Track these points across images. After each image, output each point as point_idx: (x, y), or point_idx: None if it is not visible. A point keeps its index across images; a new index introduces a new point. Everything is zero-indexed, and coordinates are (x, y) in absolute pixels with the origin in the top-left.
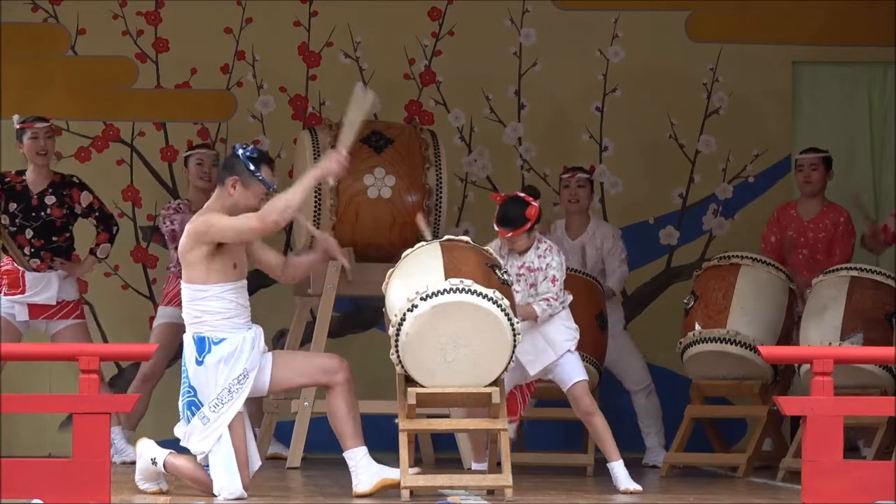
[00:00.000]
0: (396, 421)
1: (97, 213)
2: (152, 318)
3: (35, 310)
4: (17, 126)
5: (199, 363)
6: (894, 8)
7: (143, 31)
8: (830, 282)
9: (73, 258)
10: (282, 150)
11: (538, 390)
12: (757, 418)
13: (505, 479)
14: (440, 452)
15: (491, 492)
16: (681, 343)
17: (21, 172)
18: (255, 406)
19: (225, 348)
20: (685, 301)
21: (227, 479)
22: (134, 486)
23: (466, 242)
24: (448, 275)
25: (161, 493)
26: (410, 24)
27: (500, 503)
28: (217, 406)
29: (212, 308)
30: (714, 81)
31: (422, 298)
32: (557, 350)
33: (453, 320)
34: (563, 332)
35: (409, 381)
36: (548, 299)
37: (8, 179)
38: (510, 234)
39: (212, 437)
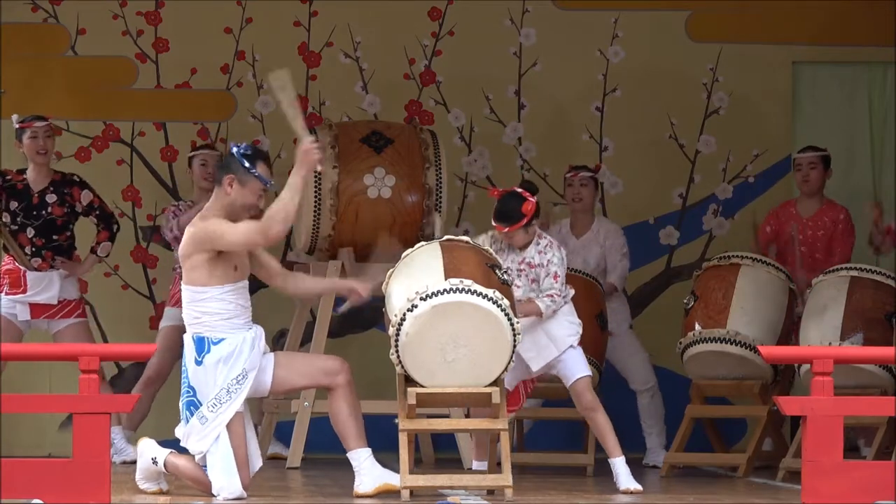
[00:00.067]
0: (396, 421)
1: (98, 212)
2: (153, 318)
3: (36, 309)
4: (17, 126)
5: (199, 363)
6: (894, 8)
7: (143, 31)
8: (830, 282)
9: (73, 257)
10: (282, 150)
11: (540, 390)
12: (757, 418)
13: (505, 479)
14: (440, 452)
15: (491, 492)
16: (681, 343)
17: (22, 171)
18: (253, 406)
19: (224, 348)
20: (685, 301)
21: (225, 479)
22: (134, 485)
23: (466, 242)
24: (448, 275)
25: (161, 492)
26: (410, 24)
27: (500, 503)
28: (215, 406)
29: (212, 309)
30: (714, 81)
31: (422, 298)
32: (560, 346)
33: (453, 320)
34: (565, 328)
35: (409, 381)
36: (551, 295)
37: (9, 178)
38: (507, 230)
39: (210, 437)
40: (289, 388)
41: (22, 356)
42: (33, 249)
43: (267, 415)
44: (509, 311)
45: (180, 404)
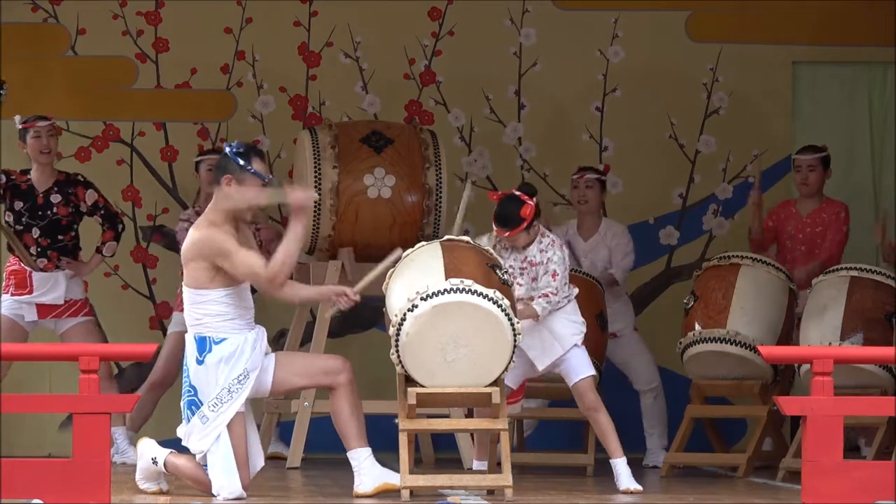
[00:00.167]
0: (396, 421)
1: (102, 212)
2: (153, 318)
3: (43, 310)
4: (20, 126)
5: (200, 362)
6: (894, 8)
7: (143, 31)
8: (830, 282)
9: (78, 257)
10: (282, 150)
11: (542, 390)
12: (757, 418)
13: (505, 479)
14: (440, 452)
15: (491, 492)
16: (681, 343)
17: (26, 172)
18: (255, 405)
19: (226, 348)
20: (685, 301)
21: (225, 479)
22: (134, 486)
23: (467, 242)
24: (448, 275)
25: (161, 492)
26: (410, 24)
27: (500, 503)
28: (216, 405)
29: (213, 311)
30: (714, 81)
31: (422, 298)
32: (565, 344)
33: (453, 320)
34: (569, 327)
35: (410, 381)
36: (546, 295)
37: (13, 178)
38: (508, 234)
39: (210, 437)
40: (290, 387)
41: (22, 356)
42: (38, 250)
43: (267, 415)
44: (509, 311)
45: (181, 403)
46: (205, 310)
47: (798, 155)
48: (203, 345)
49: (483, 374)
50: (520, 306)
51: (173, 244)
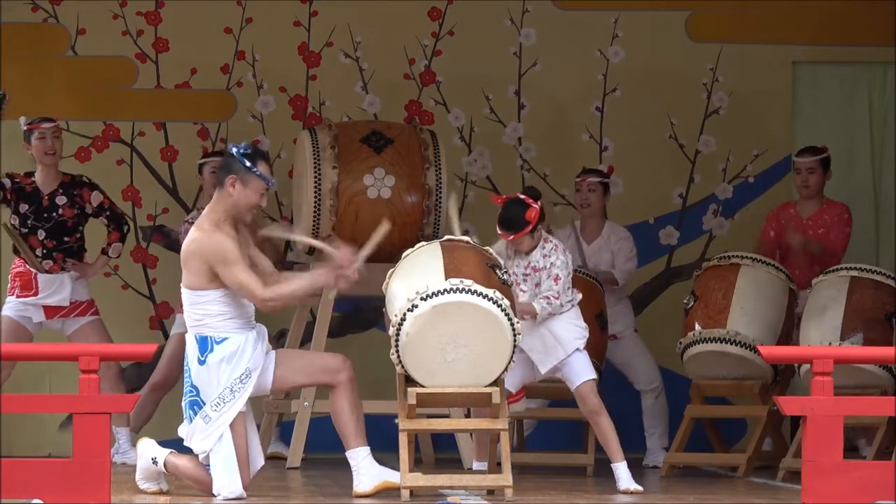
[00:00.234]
0: (396, 421)
1: (108, 213)
2: (152, 318)
3: (49, 311)
4: (24, 127)
5: (202, 363)
6: (894, 8)
7: (143, 31)
8: (830, 282)
9: (83, 259)
10: (282, 150)
11: (542, 390)
12: (757, 418)
13: (505, 479)
14: (440, 452)
15: (491, 492)
16: (681, 343)
17: (30, 174)
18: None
19: (227, 347)
20: (685, 301)
21: (226, 479)
22: (134, 486)
23: (467, 242)
24: (448, 275)
25: (161, 492)
26: (410, 24)
27: (500, 503)
28: (219, 405)
29: (213, 311)
30: (714, 81)
31: (422, 298)
32: (567, 348)
33: (453, 320)
34: (571, 331)
35: (409, 381)
36: (548, 297)
37: (17, 181)
38: (511, 238)
39: (213, 436)
40: (290, 386)
41: (22, 356)
42: (44, 252)
43: (267, 415)
44: (509, 311)
45: (183, 404)
46: (205, 310)
47: (797, 157)
48: (204, 345)
49: (483, 374)
50: (523, 298)
51: (173, 244)
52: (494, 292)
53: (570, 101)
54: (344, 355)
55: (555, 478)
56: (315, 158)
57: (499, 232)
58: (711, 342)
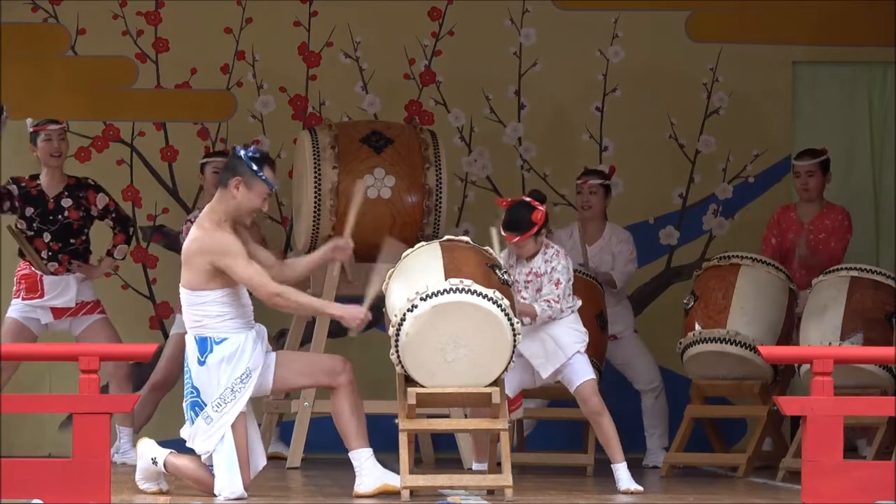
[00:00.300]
0: (396, 421)
1: (113, 215)
2: (152, 318)
3: (57, 312)
4: (31, 129)
5: (202, 363)
6: (894, 8)
7: (143, 31)
8: (830, 282)
9: (88, 261)
10: (282, 150)
11: (542, 390)
12: (757, 418)
13: (505, 479)
14: (440, 452)
15: (491, 492)
16: (681, 343)
17: (35, 177)
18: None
19: (227, 348)
20: (685, 301)
21: (228, 479)
22: (134, 486)
23: (466, 243)
24: (448, 275)
25: (161, 493)
26: (410, 24)
27: (500, 503)
28: (220, 405)
29: (212, 311)
30: (714, 81)
31: (422, 298)
32: (567, 351)
33: (453, 320)
34: (572, 335)
35: (409, 381)
36: (548, 300)
37: (23, 185)
38: (517, 239)
39: (215, 437)
40: (290, 387)
41: (22, 356)
42: (49, 254)
43: (267, 415)
44: (509, 311)
45: (184, 405)
46: (204, 311)
47: (797, 161)
48: (204, 345)
49: (483, 374)
50: (518, 304)
51: (173, 244)
52: (494, 292)
53: (570, 101)
54: (344, 356)
55: (555, 478)
56: (315, 158)
57: (504, 234)
58: (711, 342)
